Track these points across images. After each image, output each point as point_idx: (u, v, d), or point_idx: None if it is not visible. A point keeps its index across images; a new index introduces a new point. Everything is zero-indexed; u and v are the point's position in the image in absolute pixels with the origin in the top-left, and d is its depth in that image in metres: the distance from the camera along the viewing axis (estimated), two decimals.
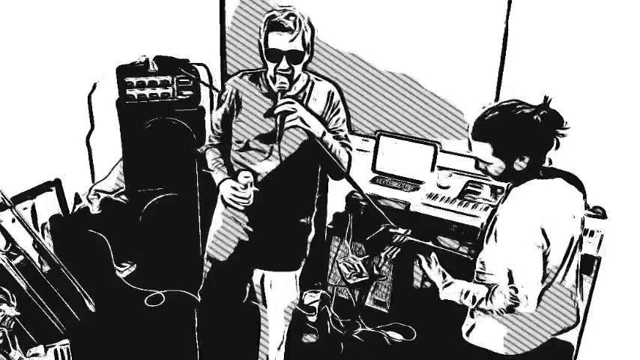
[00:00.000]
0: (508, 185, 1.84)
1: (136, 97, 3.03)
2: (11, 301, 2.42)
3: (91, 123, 3.29)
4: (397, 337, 2.91)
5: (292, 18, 1.95)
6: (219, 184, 2.16)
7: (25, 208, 2.97)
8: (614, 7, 2.48)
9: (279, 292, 2.33)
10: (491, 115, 1.73)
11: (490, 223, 1.81)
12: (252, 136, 2.12)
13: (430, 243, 2.04)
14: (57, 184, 3.12)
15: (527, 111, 1.69)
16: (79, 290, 2.92)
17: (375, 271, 2.91)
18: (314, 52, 2.08)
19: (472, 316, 1.91)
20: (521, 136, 1.70)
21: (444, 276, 1.89)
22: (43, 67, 2.95)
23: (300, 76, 2.07)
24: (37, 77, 2.94)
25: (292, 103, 1.96)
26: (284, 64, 1.97)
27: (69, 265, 2.92)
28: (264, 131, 2.11)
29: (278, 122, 2.03)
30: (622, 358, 2.50)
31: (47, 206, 3.12)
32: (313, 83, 2.14)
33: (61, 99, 3.08)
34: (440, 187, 2.96)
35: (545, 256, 1.72)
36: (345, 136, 2.19)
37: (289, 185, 2.18)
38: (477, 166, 1.83)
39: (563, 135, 1.70)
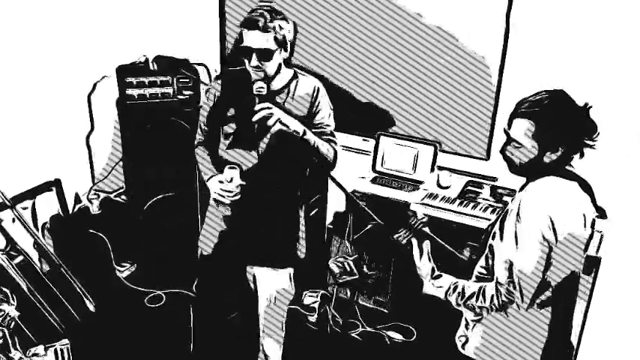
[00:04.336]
0: (521, 187, 1.83)
1: (136, 97, 3.03)
2: (11, 301, 2.42)
3: (91, 123, 3.29)
4: (397, 337, 2.91)
5: (265, 14, 1.95)
6: (207, 181, 2.18)
7: (25, 208, 2.97)
8: (616, 5, 2.48)
9: (271, 288, 2.33)
10: (542, 96, 1.70)
11: (499, 222, 1.80)
12: (234, 134, 2.13)
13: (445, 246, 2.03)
14: (57, 184, 3.12)
15: (575, 106, 1.69)
16: (79, 290, 2.92)
17: (365, 270, 2.91)
18: (294, 50, 2.09)
19: (466, 328, 1.90)
20: (567, 125, 1.67)
21: (433, 270, 1.89)
22: (43, 67, 2.95)
23: (279, 71, 2.08)
24: (37, 77, 2.94)
25: (270, 108, 1.98)
26: (254, 61, 1.98)
27: (69, 265, 2.92)
28: (246, 131, 2.12)
29: (256, 128, 2.06)
30: (622, 358, 2.50)
31: (47, 206, 3.12)
32: (298, 79, 2.15)
33: (61, 99, 3.08)
34: (440, 187, 2.96)
35: (549, 257, 1.71)
36: (331, 132, 2.21)
37: (274, 181, 2.18)
38: (502, 150, 1.79)
39: (590, 146, 1.70)
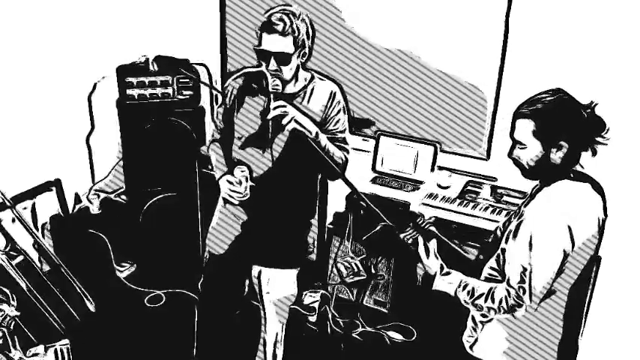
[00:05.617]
0: (534, 189, 1.83)
1: (136, 97, 3.03)
2: (11, 301, 2.42)
3: (91, 123, 3.29)
4: (397, 337, 2.91)
5: (285, 18, 1.94)
6: (218, 179, 2.17)
7: (25, 208, 2.97)
8: (616, 5, 2.48)
9: (276, 289, 2.33)
10: (541, 95, 1.74)
11: (511, 225, 1.80)
12: (249, 133, 2.13)
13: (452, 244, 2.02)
14: (57, 184, 3.12)
15: (575, 102, 1.72)
16: (79, 290, 2.92)
17: (373, 270, 2.91)
18: (312, 52, 2.08)
19: (474, 329, 1.90)
20: (566, 120, 1.69)
21: (442, 267, 1.89)
22: (44, 67, 2.95)
23: (297, 75, 2.07)
24: (38, 77, 2.94)
25: (284, 106, 1.97)
26: (272, 65, 1.98)
27: (69, 265, 2.92)
28: (260, 130, 2.12)
29: (271, 126, 2.05)
30: (622, 358, 2.50)
31: (47, 206, 3.12)
32: (315, 83, 2.14)
33: (61, 99, 3.08)
34: (440, 187, 2.96)
35: (563, 263, 1.71)
36: (344, 138, 2.19)
37: (286, 182, 2.18)
38: (509, 155, 1.81)
39: (600, 143, 1.71)
